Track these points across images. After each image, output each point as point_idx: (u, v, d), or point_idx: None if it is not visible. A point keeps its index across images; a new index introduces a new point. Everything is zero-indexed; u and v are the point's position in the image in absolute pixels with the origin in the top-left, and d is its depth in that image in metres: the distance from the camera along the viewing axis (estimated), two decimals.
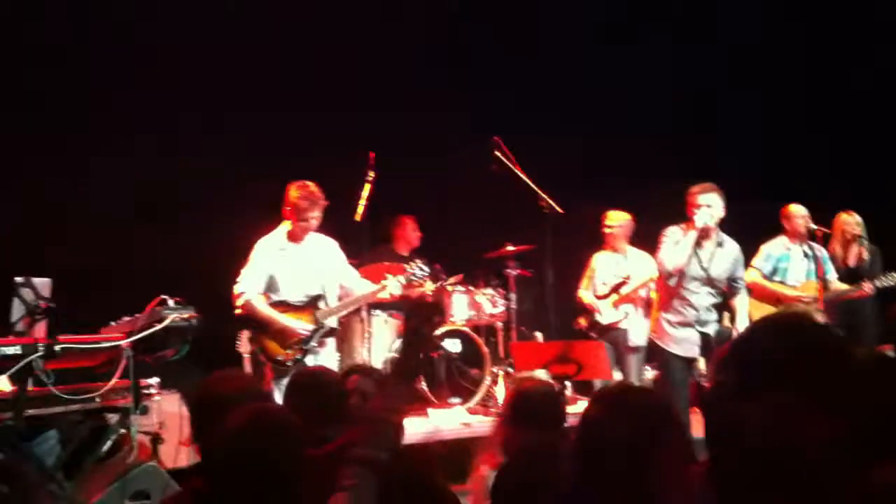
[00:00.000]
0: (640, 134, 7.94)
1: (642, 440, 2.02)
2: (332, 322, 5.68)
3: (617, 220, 7.19)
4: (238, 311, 5.59)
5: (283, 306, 5.56)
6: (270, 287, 5.55)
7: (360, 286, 5.79)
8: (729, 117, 8.35)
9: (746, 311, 6.10)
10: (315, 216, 5.55)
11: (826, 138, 8.30)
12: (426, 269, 5.93)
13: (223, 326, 6.21)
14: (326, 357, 5.65)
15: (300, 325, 5.52)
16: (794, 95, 8.50)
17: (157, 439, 5.80)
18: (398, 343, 6.95)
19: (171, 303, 4.42)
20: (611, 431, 2.05)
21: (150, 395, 4.58)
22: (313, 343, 5.56)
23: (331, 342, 5.76)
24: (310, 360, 5.53)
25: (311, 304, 5.61)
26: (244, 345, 6.22)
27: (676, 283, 5.89)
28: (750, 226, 6.38)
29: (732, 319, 6.13)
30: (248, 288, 5.51)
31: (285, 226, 5.61)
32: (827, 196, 7.22)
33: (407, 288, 5.97)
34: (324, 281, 5.66)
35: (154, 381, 4.62)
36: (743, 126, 8.37)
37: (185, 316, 4.42)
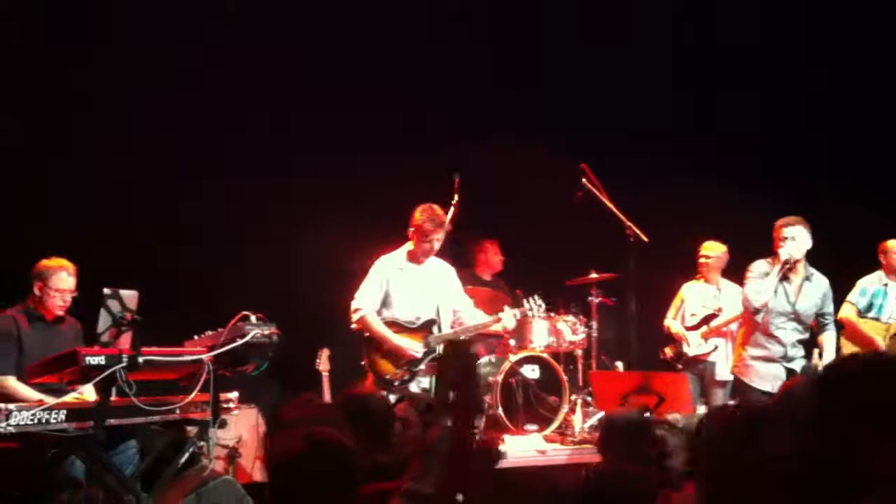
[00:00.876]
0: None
1: None
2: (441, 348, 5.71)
3: (714, 250, 7.06)
4: (354, 326, 5.71)
5: (394, 326, 5.67)
6: (384, 304, 5.67)
7: (474, 316, 5.88)
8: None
9: (834, 348, 5.90)
10: (438, 238, 5.67)
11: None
12: (543, 303, 6.04)
13: (304, 344, 6.33)
14: (430, 381, 5.70)
15: (413, 345, 5.60)
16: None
17: (234, 453, 5.94)
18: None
19: (253, 319, 4.49)
20: None
21: (228, 409, 4.64)
22: (422, 367, 5.60)
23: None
24: (413, 385, 5.60)
25: (424, 328, 5.70)
26: (324, 363, 6.31)
27: (763, 319, 5.73)
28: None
29: (820, 355, 5.92)
30: (365, 304, 5.63)
31: (407, 246, 5.73)
32: None
33: (521, 322, 5.99)
34: (439, 304, 5.73)
35: (234, 395, 4.70)
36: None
37: (267, 332, 4.48)
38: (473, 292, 6.52)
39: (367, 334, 5.64)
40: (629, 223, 6.75)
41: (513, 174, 7.58)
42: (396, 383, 5.51)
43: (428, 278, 5.74)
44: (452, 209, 6.54)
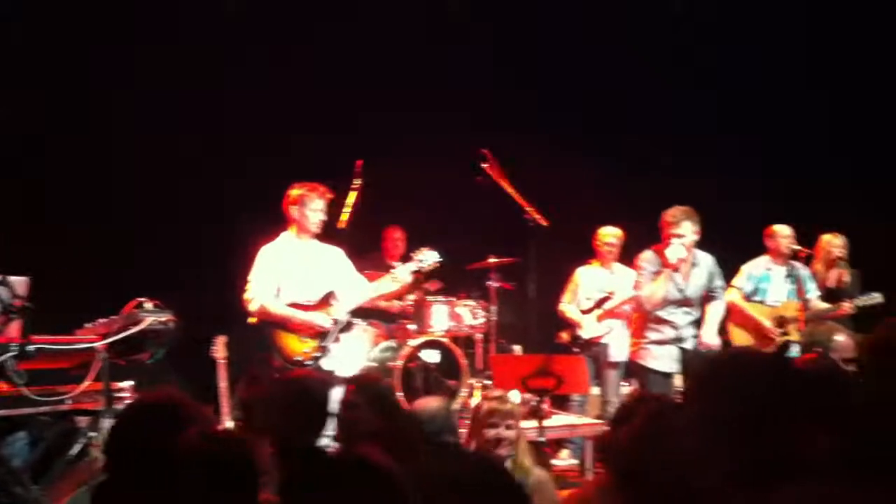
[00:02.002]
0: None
1: None
2: (347, 316, 5.59)
3: (616, 236, 7.20)
4: (252, 319, 5.51)
5: (294, 307, 5.48)
6: (281, 289, 5.49)
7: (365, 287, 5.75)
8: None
9: (717, 321, 6.11)
10: (320, 207, 5.51)
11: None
12: (436, 255, 5.82)
13: (200, 330, 6.19)
14: (341, 355, 5.57)
15: (319, 317, 5.44)
16: None
17: None
18: (375, 352, 6.94)
19: (148, 305, 4.38)
20: None
21: (122, 398, 4.51)
22: (331, 339, 5.49)
23: (357, 333, 5.77)
24: (325, 362, 5.44)
25: (324, 302, 5.53)
26: (220, 350, 6.18)
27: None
28: None
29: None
30: (260, 292, 5.44)
31: (289, 230, 5.59)
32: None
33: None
34: (334, 277, 5.61)
35: (128, 384, 4.56)
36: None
37: (163, 319, 4.38)
38: (376, 276, 6.48)
39: (268, 320, 5.49)
40: (529, 207, 6.81)
41: (415, 160, 7.61)
42: (308, 363, 5.38)
43: (317, 254, 5.61)
44: (356, 194, 6.53)
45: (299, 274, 5.51)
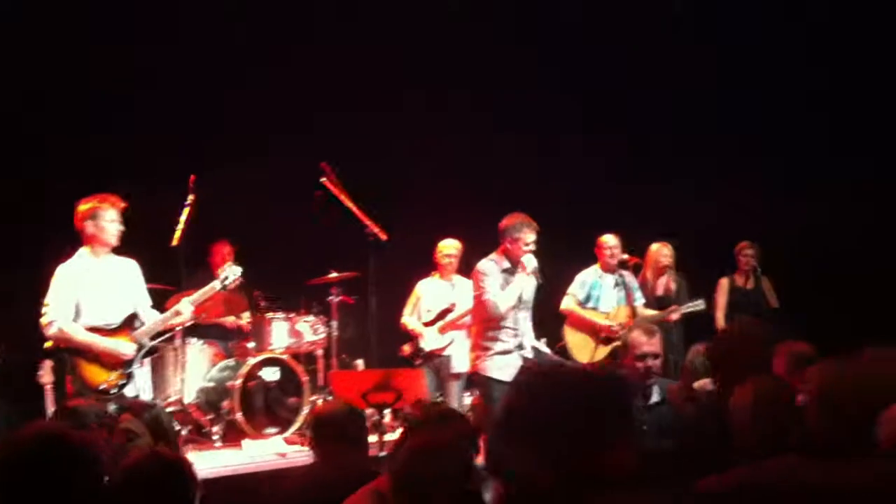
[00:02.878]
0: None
1: None
2: (149, 341, 5.35)
3: (454, 248, 7.28)
4: (49, 344, 5.17)
5: (94, 332, 5.16)
6: (78, 312, 5.16)
7: (152, 315, 5.49)
8: None
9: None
10: (114, 218, 5.21)
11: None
12: (239, 270, 5.70)
13: (25, 356, 5.90)
14: (143, 380, 5.37)
15: (123, 345, 5.17)
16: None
17: None
18: (213, 372, 6.78)
19: None
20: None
21: None
22: (136, 365, 5.26)
23: (147, 364, 5.50)
24: (130, 388, 5.20)
25: (126, 325, 5.26)
26: (46, 375, 5.87)
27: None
28: None
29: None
30: (58, 315, 5.09)
31: (85, 248, 5.27)
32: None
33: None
34: (134, 297, 5.38)
35: None
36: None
37: None
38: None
39: (65, 346, 5.13)
40: (368, 222, 6.82)
41: (252, 174, 7.50)
42: (113, 391, 5.13)
43: (116, 272, 5.33)
44: (188, 210, 6.36)
45: (99, 295, 5.22)
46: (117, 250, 5.35)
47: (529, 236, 5.88)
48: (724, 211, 8.03)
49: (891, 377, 2.34)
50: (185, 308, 5.41)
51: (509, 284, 5.88)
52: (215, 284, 5.56)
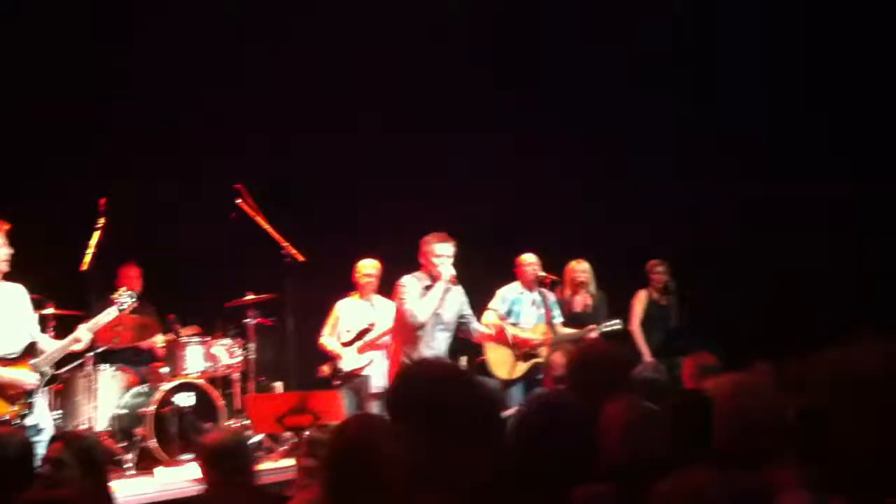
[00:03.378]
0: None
1: None
2: (51, 370, 5.23)
3: (374, 268, 7.26)
4: None
5: None
6: None
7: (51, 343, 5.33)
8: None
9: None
10: (2, 243, 4.99)
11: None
12: (133, 294, 5.73)
13: None
14: (42, 408, 5.21)
15: (26, 375, 5.00)
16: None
17: None
18: (126, 398, 6.62)
19: None
20: None
21: None
22: (38, 395, 5.10)
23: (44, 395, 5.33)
24: (30, 419, 5.03)
25: (27, 354, 5.08)
26: None
27: (416, 332, 6.02)
28: None
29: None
30: None
31: None
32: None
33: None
34: (30, 325, 5.21)
35: None
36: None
37: None
38: (119, 318, 6.16)
39: None
40: (285, 243, 6.77)
41: (165, 196, 7.38)
42: (16, 422, 4.97)
43: (9, 302, 5.13)
44: (98, 233, 6.23)
45: None
46: (10, 276, 5.15)
47: (447, 249, 6.01)
48: (640, 228, 8.17)
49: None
50: (83, 335, 5.30)
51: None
52: (111, 311, 5.49)
